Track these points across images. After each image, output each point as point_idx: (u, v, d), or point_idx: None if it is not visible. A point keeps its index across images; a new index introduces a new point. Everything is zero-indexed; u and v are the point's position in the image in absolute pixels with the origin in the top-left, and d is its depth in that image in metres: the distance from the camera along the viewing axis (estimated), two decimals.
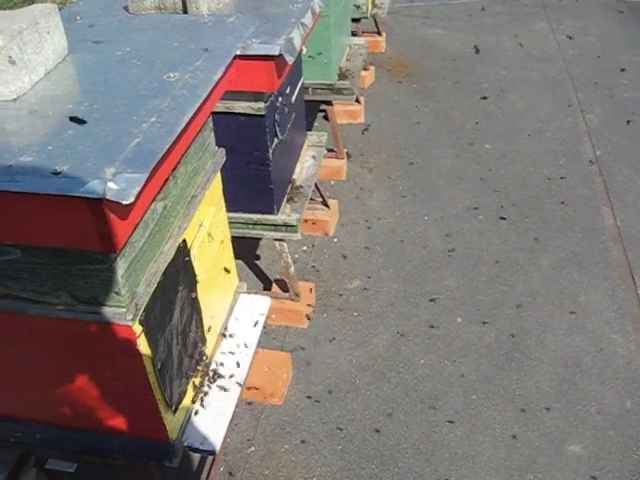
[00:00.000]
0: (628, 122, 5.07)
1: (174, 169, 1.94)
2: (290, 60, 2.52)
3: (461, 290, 3.58)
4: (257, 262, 3.77)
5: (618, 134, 4.93)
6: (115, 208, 1.45)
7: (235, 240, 2.91)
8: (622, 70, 5.85)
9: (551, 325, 3.37)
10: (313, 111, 4.89)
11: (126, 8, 2.73)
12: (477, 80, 5.74)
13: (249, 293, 2.78)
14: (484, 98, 5.44)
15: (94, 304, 1.77)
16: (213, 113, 2.71)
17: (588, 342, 3.29)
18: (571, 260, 3.78)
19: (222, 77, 1.89)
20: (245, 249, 3.71)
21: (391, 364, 3.18)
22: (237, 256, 3.60)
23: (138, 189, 1.40)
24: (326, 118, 4.66)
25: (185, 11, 2.70)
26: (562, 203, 4.23)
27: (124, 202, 1.38)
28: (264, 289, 3.56)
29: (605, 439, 2.85)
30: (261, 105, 2.70)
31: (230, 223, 3.05)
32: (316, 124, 5.00)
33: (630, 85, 5.61)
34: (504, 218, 4.10)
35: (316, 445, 2.84)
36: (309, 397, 3.04)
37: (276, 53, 2.49)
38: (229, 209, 3.02)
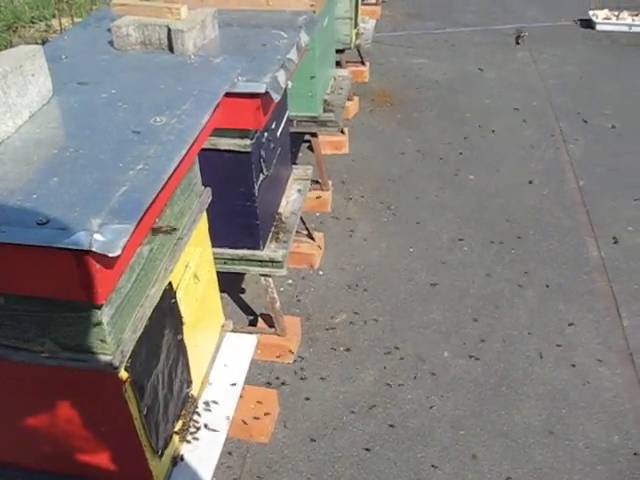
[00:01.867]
0: (610, 152, 5.11)
1: (160, 211, 1.93)
2: (276, 98, 2.52)
3: (447, 323, 3.57)
4: (242, 296, 3.75)
5: (601, 164, 4.97)
6: (101, 259, 1.43)
7: (220, 274, 2.90)
8: (603, 100, 5.91)
9: (538, 359, 3.37)
10: (297, 142, 4.89)
11: (111, 43, 2.73)
12: (460, 109, 5.78)
13: (235, 331, 2.75)
14: (467, 128, 5.48)
15: (79, 351, 1.73)
16: None
17: (575, 375, 3.28)
18: (556, 292, 3.79)
19: (209, 120, 1.88)
20: (230, 283, 3.68)
21: (378, 400, 3.16)
22: (222, 290, 3.56)
23: (125, 240, 1.38)
24: (311, 149, 4.67)
25: (170, 48, 2.70)
26: (547, 234, 4.24)
27: (111, 254, 1.36)
28: (249, 324, 3.53)
29: (594, 474, 2.83)
30: (247, 142, 2.70)
31: (215, 259, 3.04)
32: (300, 154, 5.00)
33: (612, 115, 5.67)
34: (488, 250, 4.10)
35: None
36: (296, 435, 3.00)
37: (262, 91, 2.49)
38: (214, 244, 3.00)
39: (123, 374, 1.78)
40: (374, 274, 3.92)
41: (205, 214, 2.33)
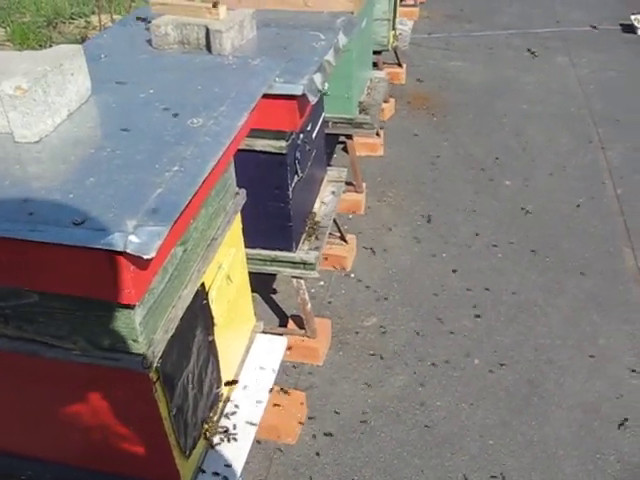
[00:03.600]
0: None
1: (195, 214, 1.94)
2: (313, 100, 2.51)
3: (478, 330, 3.53)
4: (273, 296, 3.75)
5: (639, 172, 4.89)
6: (135, 261, 1.43)
7: (252, 274, 2.90)
8: None
9: (570, 369, 3.32)
10: (332, 143, 4.87)
11: (150, 42, 2.74)
12: (497, 114, 5.73)
13: (266, 333, 2.75)
14: (504, 133, 5.43)
15: (111, 350, 1.74)
16: None
17: (607, 387, 3.23)
18: (591, 302, 3.73)
19: (246, 122, 1.88)
20: (262, 283, 3.68)
21: (407, 405, 3.14)
22: (253, 290, 3.57)
23: (159, 242, 1.38)
24: (345, 150, 4.65)
25: (208, 47, 2.71)
26: (582, 242, 4.19)
27: (145, 256, 1.36)
28: (280, 325, 3.53)
29: None
30: (282, 144, 2.69)
31: (248, 259, 3.04)
32: (335, 156, 4.99)
33: None
34: (522, 257, 4.06)
35: None
36: (323, 437, 2.99)
37: (299, 93, 2.49)
38: (247, 245, 3.01)
39: (153, 374, 1.79)
40: (405, 278, 3.89)
41: (239, 215, 2.33)
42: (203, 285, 2.04)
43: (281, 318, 3.60)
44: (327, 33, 2.94)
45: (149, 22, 2.81)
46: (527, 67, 6.63)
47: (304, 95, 2.48)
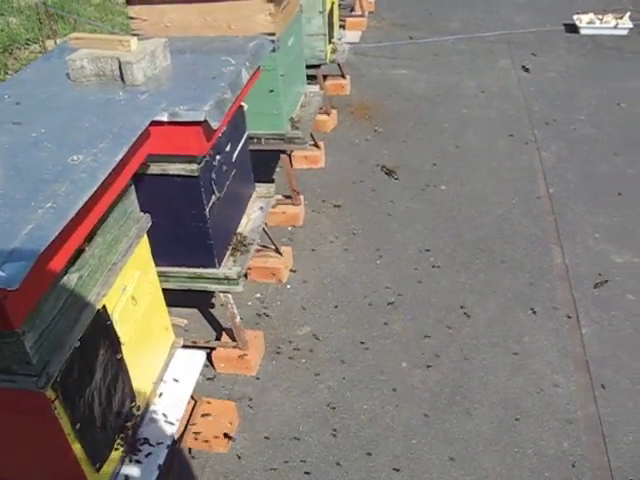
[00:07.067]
0: (583, 159, 5.19)
1: (90, 240, 2.06)
2: (215, 125, 2.63)
3: (408, 334, 3.67)
4: (211, 310, 3.87)
5: (573, 171, 5.05)
6: (7, 292, 1.55)
7: (189, 291, 3.09)
8: (580, 106, 5.99)
9: (494, 367, 3.46)
10: (274, 157, 5.00)
11: (68, 75, 2.86)
12: (438, 120, 5.88)
13: (199, 347, 2.88)
14: (443, 138, 5.58)
15: (7, 373, 1.86)
16: (149, 175, 2.85)
17: (529, 383, 3.37)
18: (517, 300, 3.87)
19: (129, 155, 2.00)
20: (199, 298, 3.79)
21: (335, 410, 3.26)
22: (191, 305, 3.72)
23: (23, 275, 1.49)
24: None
25: (122, 78, 2.83)
26: (513, 243, 4.33)
27: (9, 288, 1.48)
28: (216, 338, 3.65)
29: None
30: (194, 167, 2.81)
31: (175, 277, 3.18)
32: (278, 169, 5.11)
33: (587, 121, 5.75)
34: (454, 260, 4.20)
35: None
36: (253, 445, 3.11)
37: (201, 119, 2.61)
38: (172, 264, 3.14)
39: (51, 393, 1.90)
40: (340, 287, 4.02)
41: (145, 238, 2.44)
42: (105, 307, 2.16)
43: (218, 332, 3.71)
44: (238, 58, 3.06)
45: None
46: (470, 72, 6.78)
47: (206, 121, 2.60)
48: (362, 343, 3.62)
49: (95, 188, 1.77)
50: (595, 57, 7.05)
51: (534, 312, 3.78)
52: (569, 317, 3.74)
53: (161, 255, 2.89)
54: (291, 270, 4.16)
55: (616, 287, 3.93)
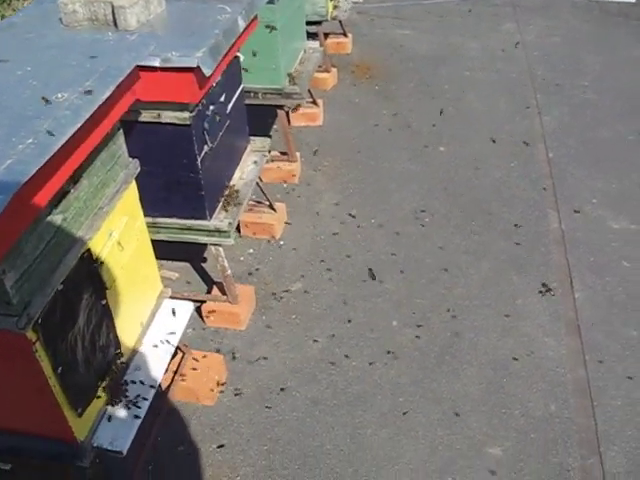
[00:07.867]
0: (585, 124, 5.13)
1: (75, 182, 2.02)
2: (208, 72, 2.58)
3: (400, 293, 3.65)
4: (203, 265, 3.84)
5: (573, 136, 5.00)
6: None
7: (183, 244, 3.04)
8: (584, 71, 5.91)
9: (485, 328, 3.44)
10: (272, 114, 4.93)
11: (60, 20, 2.79)
12: (439, 82, 5.80)
13: (188, 299, 2.85)
14: (444, 100, 5.51)
15: None
16: (141, 123, 2.80)
17: (520, 345, 3.35)
18: (512, 263, 3.85)
19: (116, 95, 1.96)
20: (192, 252, 3.77)
21: (323, 366, 3.25)
22: (184, 259, 3.69)
23: (1, 209, 1.46)
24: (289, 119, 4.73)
25: (115, 23, 2.76)
26: (510, 206, 4.29)
27: None
28: (207, 292, 3.63)
29: (526, 442, 2.92)
30: (186, 115, 2.76)
31: (166, 228, 3.15)
32: (275, 126, 5.05)
33: (590, 86, 5.67)
34: (449, 222, 4.17)
35: (242, 445, 2.91)
36: (240, 399, 3.11)
37: (194, 65, 2.55)
38: (163, 214, 3.10)
39: (32, 334, 1.88)
40: (333, 244, 3.99)
41: (134, 184, 2.40)
42: (90, 251, 2.13)
43: (209, 285, 3.69)
44: (234, 5, 3.00)
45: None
46: (474, 34, 6.68)
47: (199, 67, 2.54)
48: (353, 301, 3.60)
49: (79, 125, 1.72)
50: (601, 23, 6.94)
51: (528, 275, 3.75)
52: (562, 281, 3.71)
53: (152, 205, 2.86)
54: (286, 222, 4.12)
55: (612, 253, 3.90)
